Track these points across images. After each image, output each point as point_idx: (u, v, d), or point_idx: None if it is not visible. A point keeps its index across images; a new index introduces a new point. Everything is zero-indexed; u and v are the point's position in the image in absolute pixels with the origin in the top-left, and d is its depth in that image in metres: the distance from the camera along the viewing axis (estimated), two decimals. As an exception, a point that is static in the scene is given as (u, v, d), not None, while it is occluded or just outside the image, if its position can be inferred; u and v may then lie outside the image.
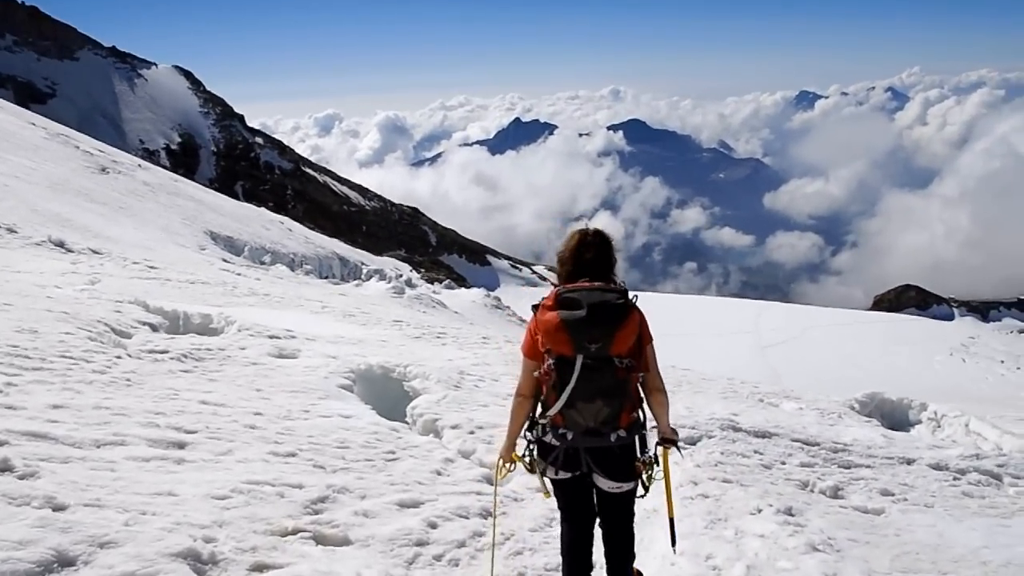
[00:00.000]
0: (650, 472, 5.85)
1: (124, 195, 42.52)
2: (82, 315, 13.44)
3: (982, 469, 12.38)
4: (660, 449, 5.91)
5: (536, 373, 5.73)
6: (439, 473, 9.32)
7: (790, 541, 8.03)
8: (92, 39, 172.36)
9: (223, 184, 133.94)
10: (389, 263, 70.66)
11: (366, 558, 6.72)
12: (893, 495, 10.71)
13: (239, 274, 28.85)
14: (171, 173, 70.00)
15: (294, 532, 6.79)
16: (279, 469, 8.17)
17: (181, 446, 8.21)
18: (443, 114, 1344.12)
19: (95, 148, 54.98)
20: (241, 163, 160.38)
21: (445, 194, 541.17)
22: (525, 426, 6.03)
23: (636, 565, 6.42)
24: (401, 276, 49.48)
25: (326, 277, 44.09)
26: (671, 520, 6.09)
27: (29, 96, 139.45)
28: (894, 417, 20.23)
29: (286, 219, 66.32)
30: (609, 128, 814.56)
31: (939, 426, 19.28)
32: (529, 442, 5.97)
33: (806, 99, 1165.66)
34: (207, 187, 75.57)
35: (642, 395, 5.91)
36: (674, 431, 5.94)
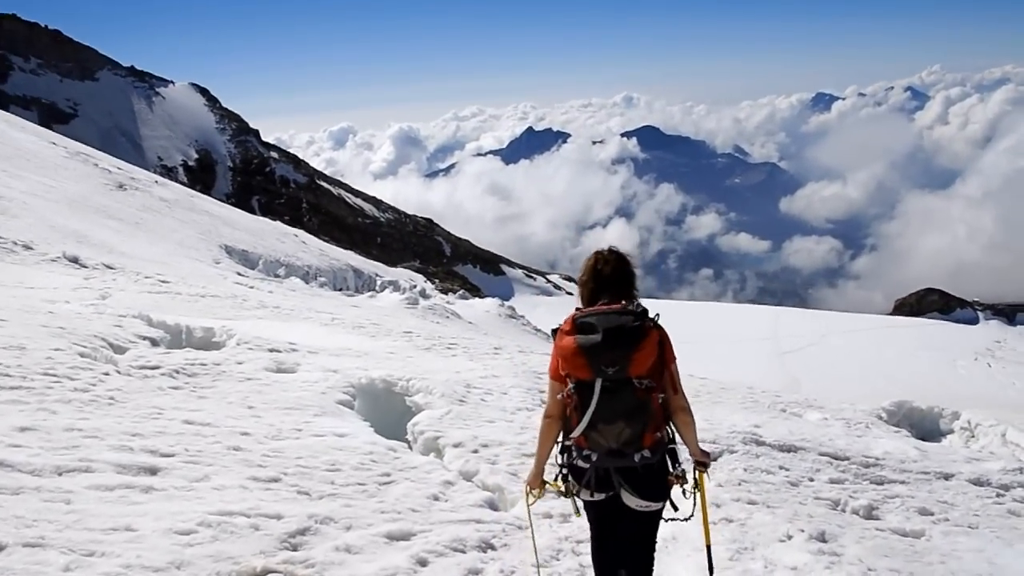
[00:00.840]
0: (683, 486, 5.85)
1: (141, 211, 42.89)
2: (79, 330, 13.01)
3: (1029, 485, 11.62)
4: (696, 473, 5.97)
5: (559, 396, 5.72)
6: (436, 498, 8.61)
7: (826, 574, 7.36)
8: (111, 59, 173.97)
9: (239, 199, 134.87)
10: (404, 274, 70.53)
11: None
12: (932, 515, 10.06)
13: (251, 287, 28.76)
14: (188, 189, 70.73)
15: (263, 574, 6.12)
16: (258, 497, 7.56)
17: (153, 472, 7.67)
18: (456, 125, 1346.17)
19: (113, 166, 55.53)
20: (257, 178, 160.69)
21: (459, 204, 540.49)
22: (555, 450, 6.00)
23: None
24: (415, 287, 49.03)
25: (340, 289, 44.04)
26: (708, 548, 6.16)
27: (52, 117, 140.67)
28: (924, 427, 19.65)
29: (301, 232, 66.77)
30: (622, 135, 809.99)
31: (973, 436, 18.64)
32: (561, 466, 5.93)
33: (822, 101, 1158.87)
34: (224, 202, 76.44)
35: (666, 414, 5.79)
36: (706, 453, 5.96)
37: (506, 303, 49.70)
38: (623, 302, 5.73)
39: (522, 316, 47.40)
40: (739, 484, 10.20)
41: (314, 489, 8.09)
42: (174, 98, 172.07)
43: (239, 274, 34.31)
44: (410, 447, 10.90)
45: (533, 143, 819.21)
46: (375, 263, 71.71)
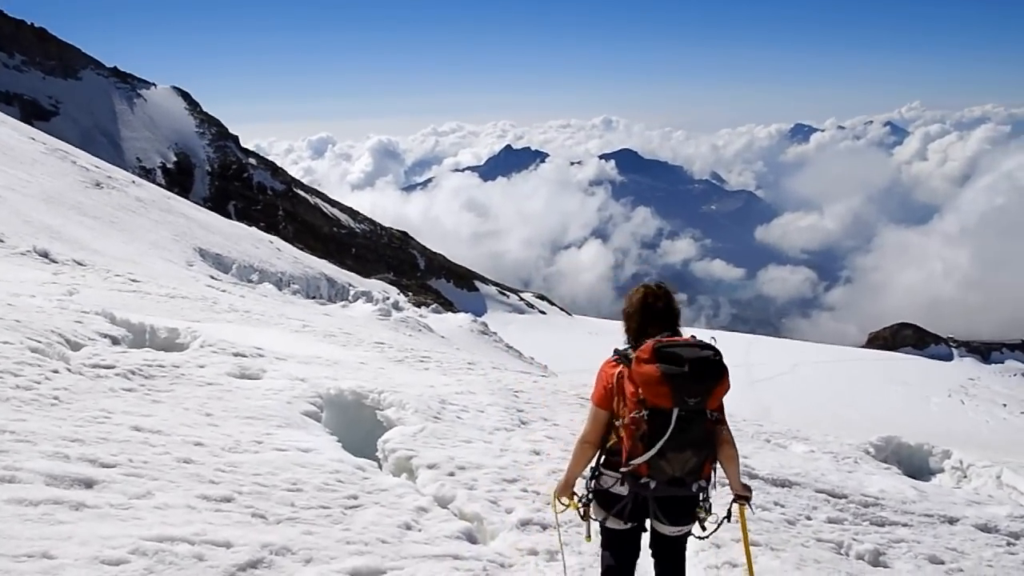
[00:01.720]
0: (706, 517, 5.98)
1: (116, 210, 42.56)
2: (36, 324, 12.16)
3: (1040, 533, 11.01)
4: (735, 507, 6.15)
5: (618, 422, 5.81)
6: (408, 527, 7.78)
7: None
8: (95, 59, 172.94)
9: (216, 203, 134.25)
10: (377, 285, 70.26)
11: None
12: (943, 563, 9.54)
13: (224, 291, 28.41)
14: (164, 190, 70.40)
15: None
16: (205, 520, 6.67)
17: (88, 485, 6.76)
18: (435, 139, 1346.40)
19: (91, 164, 55.27)
20: (235, 183, 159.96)
21: (436, 219, 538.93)
22: (587, 472, 6.13)
23: None
24: (388, 299, 48.92)
25: (313, 297, 43.64)
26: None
27: (34, 113, 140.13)
28: (912, 463, 19.10)
29: (276, 239, 66.45)
30: (601, 157, 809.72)
31: (965, 476, 18.08)
32: (589, 491, 6.08)
33: (801, 132, 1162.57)
34: (201, 206, 76.11)
35: None
36: (747, 487, 6.09)
37: (479, 319, 49.28)
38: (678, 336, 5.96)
39: (494, 333, 46.97)
40: (736, 522, 9.50)
41: (271, 512, 7.28)
42: (155, 100, 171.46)
43: (212, 277, 34.11)
44: (380, 466, 10.12)
45: (511, 161, 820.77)
46: (349, 273, 71.33)
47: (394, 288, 77.90)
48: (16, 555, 5.24)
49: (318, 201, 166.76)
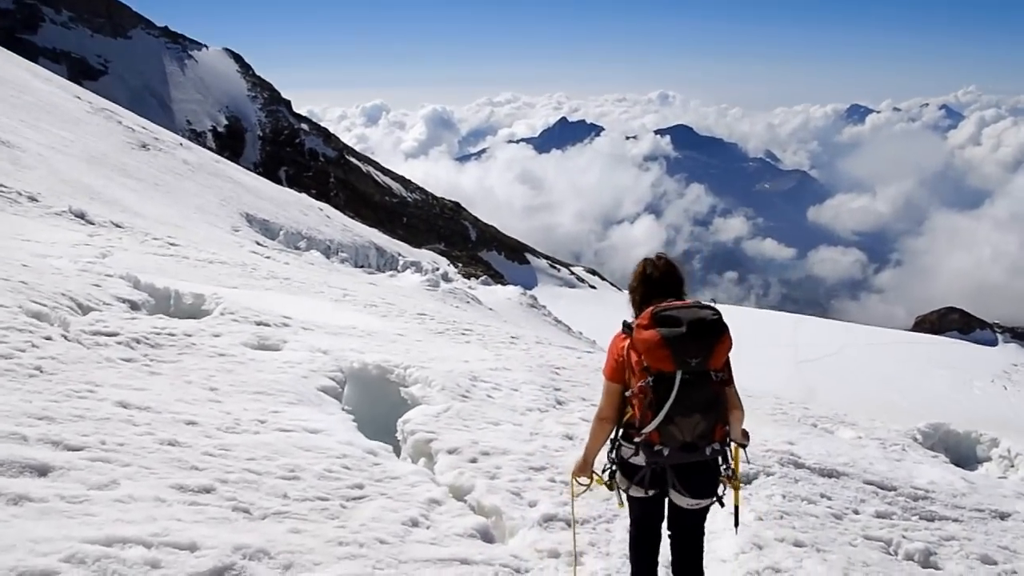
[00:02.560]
0: (730, 485, 6.12)
1: (162, 172, 42.12)
2: (46, 287, 11.43)
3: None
4: (732, 446, 6.11)
5: (628, 393, 5.83)
6: (415, 523, 6.99)
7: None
8: (145, 18, 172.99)
9: (267, 169, 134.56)
10: (427, 256, 69.70)
11: None
12: (996, 564, 9.02)
13: (267, 257, 27.84)
14: (213, 154, 70.24)
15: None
16: (173, 515, 5.78)
17: (42, 472, 5.86)
18: (490, 110, 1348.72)
19: (138, 125, 54.61)
20: (286, 149, 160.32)
21: (489, 190, 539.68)
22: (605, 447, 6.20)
23: None
24: (438, 269, 48.80)
25: (361, 266, 43.61)
26: (736, 508, 6.40)
27: (82, 72, 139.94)
28: (959, 451, 18.61)
29: (326, 206, 65.86)
30: (656, 132, 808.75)
31: (1012, 466, 17.58)
32: (612, 462, 6.12)
33: (857, 113, 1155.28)
34: (251, 171, 76.50)
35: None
36: (746, 434, 6.15)
37: (528, 292, 49.01)
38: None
39: (544, 306, 46.66)
40: (780, 517, 9.11)
41: (257, 505, 6.43)
42: (207, 62, 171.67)
43: (257, 243, 33.65)
44: (396, 452, 9.23)
45: (566, 134, 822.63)
46: (399, 243, 70.81)
47: (444, 259, 77.43)
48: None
49: (370, 169, 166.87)
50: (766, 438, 12.45)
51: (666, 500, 6.15)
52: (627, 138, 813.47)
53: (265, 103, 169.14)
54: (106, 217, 23.61)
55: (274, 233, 40.34)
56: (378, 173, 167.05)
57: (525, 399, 12.30)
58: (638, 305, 6.14)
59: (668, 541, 6.36)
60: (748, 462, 9.45)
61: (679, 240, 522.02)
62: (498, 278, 76.42)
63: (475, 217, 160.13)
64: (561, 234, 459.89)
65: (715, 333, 5.63)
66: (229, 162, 67.48)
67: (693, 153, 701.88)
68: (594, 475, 6.28)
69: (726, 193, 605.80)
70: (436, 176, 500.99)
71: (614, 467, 6.10)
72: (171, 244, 21.93)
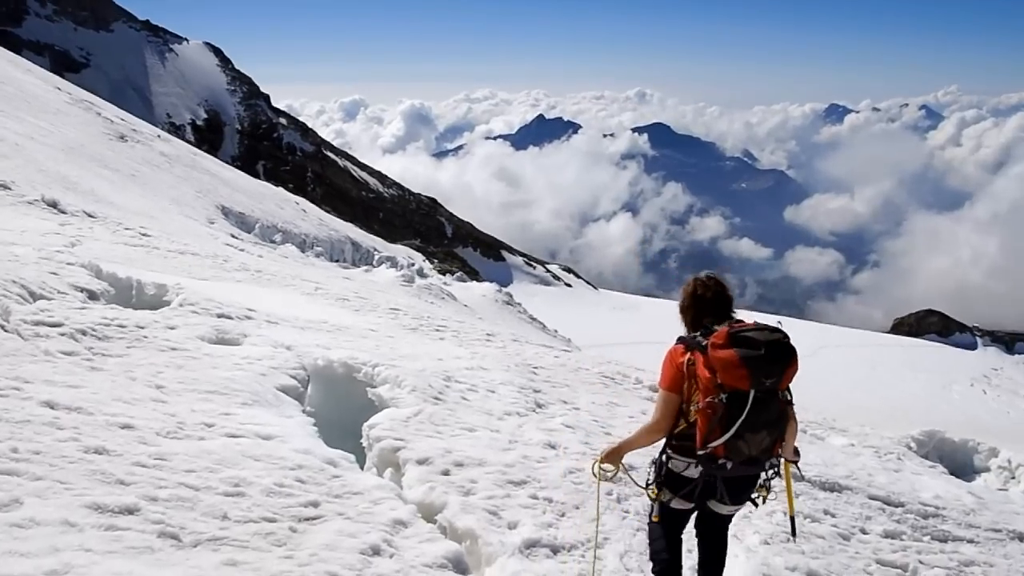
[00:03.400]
0: (766, 496, 6.31)
1: (139, 164, 41.79)
2: (-2, 274, 10.58)
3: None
4: (782, 462, 6.21)
5: (695, 407, 5.95)
6: (376, 551, 6.18)
7: None
8: (127, 11, 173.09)
9: (245, 162, 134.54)
10: (402, 251, 69.66)
11: None
12: None
13: (240, 250, 27.64)
14: (190, 146, 69.67)
15: None
16: (81, 544, 4.98)
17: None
18: (467, 106, 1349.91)
19: (117, 116, 54.37)
20: (264, 143, 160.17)
21: (466, 186, 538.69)
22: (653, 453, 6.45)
23: None
24: (413, 265, 49.01)
25: (336, 260, 43.25)
26: (792, 518, 6.54)
27: (64, 65, 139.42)
28: (955, 460, 18.46)
29: (302, 200, 66.01)
30: (633, 130, 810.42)
31: (1013, 477, 17.28)
32: (659, 474, 6.30)
33: (836, 112, 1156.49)
34: (229, 164, 76.33)
35: None
36: (796, 451, 6.36)
37: (504, 289, 48.92)
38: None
39: (519, 303, 46.61)
40: (787, 540, 8.78)
41: (189, 529, 5.61)
42: (187, 56, 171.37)
43: (232, 236, 33.42)
44: (360, 461, 8.60)
45: (543, 131, 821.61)
46: (375, 238, 70.73)
47: (420, 255, 77.38)
48: None
49: (348, 164, 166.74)
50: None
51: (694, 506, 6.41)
52: (604, 136, 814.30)
53: (244, 97, 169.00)
54: (79, 206, 23.48)
55: (250, 226, 40.36)
56: (355, 168, 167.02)
57: (503, 402, 11.56)
58: (690, 323, 6.40)
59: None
60: (803, 478, 9.22)
61: (655, 239, 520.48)
62: (474, 275, 76.31)
63: (451, 213, 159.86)
64: (537, 231, 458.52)
65: (789, 356, 5.84)
66: (206, 155, 67.24)
67: (670, 151, 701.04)
68: (621, 465, 6.47)
69: (703, 192, 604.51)
70: (413, 172, 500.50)
71: (663, 480, 6.28)
72: (143, 235, 21.76)
